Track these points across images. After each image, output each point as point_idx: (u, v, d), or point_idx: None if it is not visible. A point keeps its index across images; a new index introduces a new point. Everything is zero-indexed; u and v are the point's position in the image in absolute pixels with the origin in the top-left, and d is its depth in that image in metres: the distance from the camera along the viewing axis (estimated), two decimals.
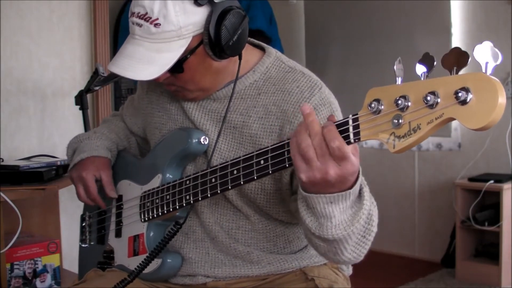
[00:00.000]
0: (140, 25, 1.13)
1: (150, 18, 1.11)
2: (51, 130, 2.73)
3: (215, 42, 1.14)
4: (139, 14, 1.12)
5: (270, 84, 1.23)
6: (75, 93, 2.48)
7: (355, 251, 1.04)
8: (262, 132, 1.20)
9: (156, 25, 1.11)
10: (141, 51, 1.13)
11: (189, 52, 1.14)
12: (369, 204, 1.02)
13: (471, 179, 3.41)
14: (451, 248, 3.59)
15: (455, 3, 3.62)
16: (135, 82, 1.51)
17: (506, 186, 3.22)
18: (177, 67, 1.15)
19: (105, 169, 1.39)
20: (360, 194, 1.01)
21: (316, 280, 1.26)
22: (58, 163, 2.26)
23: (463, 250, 3.43)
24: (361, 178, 1.00)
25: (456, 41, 3.59)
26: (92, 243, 1.52)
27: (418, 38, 3.70)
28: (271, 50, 1.29)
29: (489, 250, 3.39)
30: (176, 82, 1.21)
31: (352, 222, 0.99)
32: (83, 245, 1.55)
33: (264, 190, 1.21)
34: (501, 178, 3.29)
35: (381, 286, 3.37)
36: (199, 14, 1.12)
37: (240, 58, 1.22)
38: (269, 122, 1.20)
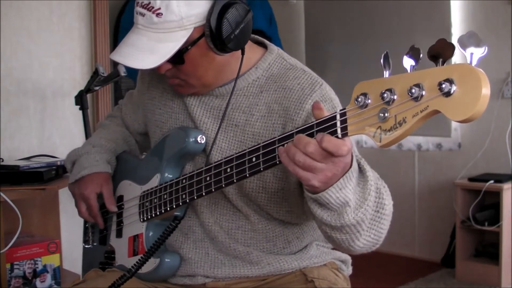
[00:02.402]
0: (143, 15, 1.13)
1: (153, 7, 1.12)
2: (51, 130, 2.73)
3: (216, 35, 1.14)
4: (143, 4, 1.13)
5: (271, 82, 1.23)
6: (75, 93, 2.49)
7: (373, 228, 1.04)
8: (265, 131, 1.20)
9: (158, 14, 1.11)
10: (143, 40, 1.14)
11: (191, 43, 1.14)
12: (372, 175, 1.02)
13: (471, 179, 3.41)
14: (451, 248, 3.59)
15: (455, 3, 3.62)
16: (134, 79, 1.50)
17: (506, 186, 3.22)
18: (178, 58, 1.15)
19: (106, 184, 1.40)
20: (360, 169, 1.01)
21: (315, 281, 1.25)
22: (58, 163, 2.26)
23: (463, 250, 3.43)
24: (355, 153, 1.01)
25: (456, 41, 3.59)
26: (95, 243, 1.52)
27: (418, 38, 3.69)
28: (273, 47, 1.29)
29: (489, 250, 3.39)
30: (178, 75, 1.21)
31: (364, 197, 0.99)
32: (86, 246, 1.55)
33: (265, 189, 1.21)
34: (501, 178, 3.29)
35: (381, 286, 3.37)
36: (202, 6, 1.13)
37: (242, 53, 1.21)
38: (271, 120, 1.20)
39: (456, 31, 3.62)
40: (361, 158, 1.04)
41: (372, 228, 1.04)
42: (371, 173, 1.02)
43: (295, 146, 0.93)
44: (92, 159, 1.42)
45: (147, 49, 1.13)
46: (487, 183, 3.26)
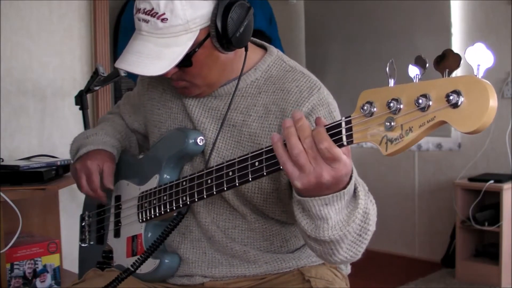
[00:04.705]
0: (146, 21, 1.13)
1: (157, 13, 1.12)
2: (51, 130, 2.73)
3: (222, 34, 1.14)
4: (145, 10, 1.13)
5: (270, 83, 1.24)
6: (75, 93, 2.49)
7: (352, 249, 1.04)
8: (261, 131, 1.20)
9: (163, 20, 1.11)
10: (149, 47, 1.14)
11: (197, 45, 1.15)
12: (364, 203, 1.01)
13: (471, 179, 3.41)
14: (451, 248, 3.59)
15: (455, 3, 3.62)
16: (134, 80, 1.50)
17: (506, 186, 3.22)
18: (186, 61, 1.16)
19: (109, 162, 1.37)
20: (355, 193, 1.00)
21: (312, 281, 1.25)
22: (58, 163, 2.26)
23: (463, 250, 3.43)
24: (355, 178, 1.00)
25: (456, 41, 3.59)
26: (91, 242, 1.52)
27: (418, 38, 3.70)
28: (273, 49, 1.30)
29: (489, 250, 3.39)
30: (184, 77, 1.21)
31: (347, 222, 0.99)
32: (82, 245, 1.55)
33: (261, 189, 1.21)
34: (501, 178, 3.29)
35: (381, 286, 3.37)
36: (206, 7, 1.13)
37: (246, 50, 1.23)
38: (268, 122, 1.20)
39: (456, 31, 3.62)
40: (359, 183, 1.04)
41: (350, 250, 1.04)
42: (363, 201, 1.01)
43: (295, 125, 0.92)
44: (100, 140, 1.41)
45: (155, 55, 1.13)
46: (487, 183, 3.26)
